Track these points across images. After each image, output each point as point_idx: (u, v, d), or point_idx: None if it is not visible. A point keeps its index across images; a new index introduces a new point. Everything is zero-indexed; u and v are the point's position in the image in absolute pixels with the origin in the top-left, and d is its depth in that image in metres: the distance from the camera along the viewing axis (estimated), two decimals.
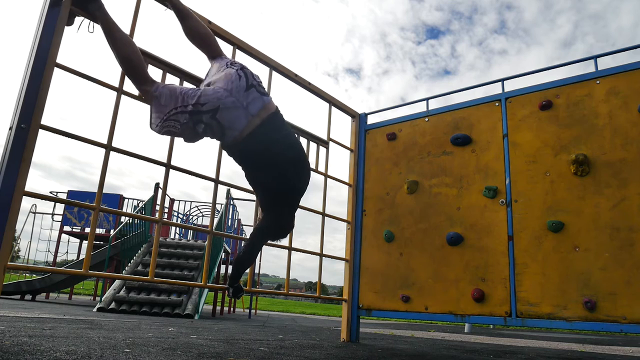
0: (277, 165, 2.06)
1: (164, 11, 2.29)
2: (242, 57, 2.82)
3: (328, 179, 3.25)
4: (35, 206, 13.14)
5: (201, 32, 2.27)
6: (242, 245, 2.22)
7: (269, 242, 2.34)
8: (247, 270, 2.76)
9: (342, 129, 3.90)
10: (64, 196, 12.53)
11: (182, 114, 1.95)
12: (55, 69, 1.85)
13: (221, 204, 9.18)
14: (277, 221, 2.17)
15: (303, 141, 3.17)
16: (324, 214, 3.16)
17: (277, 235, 2.23)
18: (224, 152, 2.24)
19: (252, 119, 1.99)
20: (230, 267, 10.12)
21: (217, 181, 2.51)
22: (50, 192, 12.48)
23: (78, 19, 2.03)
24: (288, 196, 2.17)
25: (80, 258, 12.02)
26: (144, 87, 2.03)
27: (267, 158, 2.04)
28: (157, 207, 6.88)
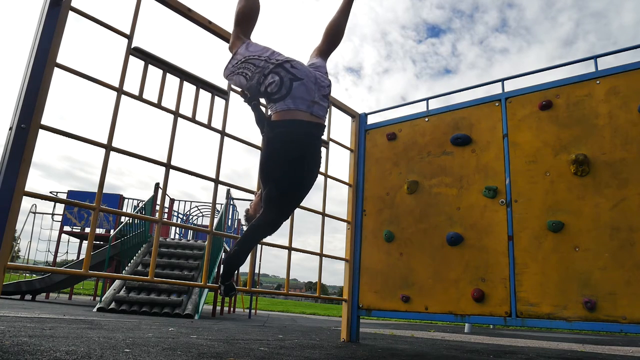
0: (290, 163, 2.14)
1: None
2: None
3: (328, 179, 3.25)
4: (35, 206, 13.14)
5: (341, 31, 2.53)
6: (235, 242, 2.23)
7: (263, 240, 2.36)
8: (247, 270, 2.76)
9: (342, 129, 3.90)
10: (64, 196, 12.53)
11: (265, 62, 2.17)
12: (55, 69, 1.85)
13: (221, 204, 9.18)
14: (274, 221, 2.18)
15: None
16: (324, 214, 3.16)
17: (268, 233, 2.24)
18: (223, 151, 2.27)
19: (306, 113, 2.13)
20: None
21: (217, 181, 2.51)
22: (50, 192, 12.48)
23: None
24: (293, 197, 2.20)
25: (80, 258, 12.01)
26: (241, 35, 2.32)
27: (286, 152, 2.13)
28: (157, 207, 6.88)
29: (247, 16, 2.35)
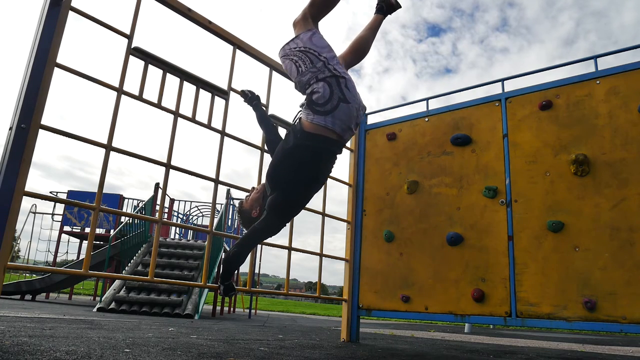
0: (306, 176, 2.15)
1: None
2: (242, 57, 2.82)
3: (328, 179, 3.25)
4: (35, 206, 13.15)
5: (368, 47, 2.54)
6: (235, 242, 2.23)
7: (264, 241, 2.36)
8: (247, 270, 2.76)
9: None
10: (64, 196, 12.53)
11: (323, 65, 2.10)
12: (55, 69, 1.85)
13: (221, 204, 9.18)
14: (275, 225, 2.19)
15: None
16: (324, 214, 3.16)
17: (269, 236, 2.25)
18: (223, 151, 2.27)
19: (338, 135, 2.10)
20: None
21: (217, 181, 2.51)
22: (50, 192, 12.48)
23: None
24: (297, 205, 2.22)
25: (80, 258, 12.01)
26: (311, 18, 2.21)
27: (305, 165, 2.12)
28: (157, 207, 6.88)
29: (328, 4, 2.25)
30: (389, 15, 2.62)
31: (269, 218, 2.14)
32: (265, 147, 2.80)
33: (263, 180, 2.50)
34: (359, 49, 2.50)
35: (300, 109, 2.22)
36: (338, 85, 2.06)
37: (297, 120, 2.19)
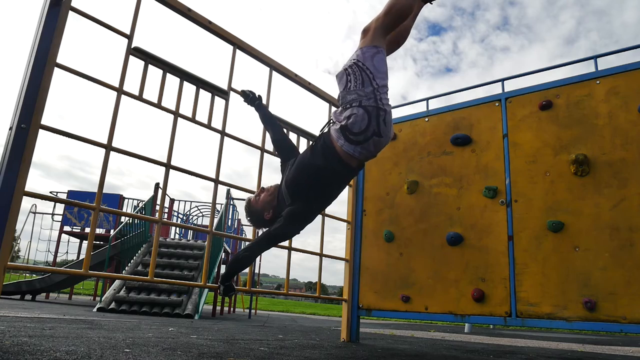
0: (329, 194, 2.22)
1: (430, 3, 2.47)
2: (242, 57, 2.82)
3: None
4: (35, 206, 13.14)
5: (408, 33, 2.45)
6: (245, 245, 2.25)
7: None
8: (247, 271, 2.76)
9: None
10: (64, 196, 12.53)
11: (373, 91, 2.03)
12: (55, 69, 1.85)
13: (221, 204, 9.18)
14: (290, 233, 2.24)
15: (303, 141, 3.17)
16: (324, 214, 3.16)
17: (280, 242, 2.28)
18: (223, 151, 2.27)
19: (360, 161, 2.13)
20: None
21: (217, 181, 2.51)
22: (50, 192, 12.48)
23: None
24: (312, 217, 2.25)
25: (80, 258, 12.02)
26: (382, 32, 2.12)
27: (331, 185, 2.18)
28: (157, 207, 6.88)
29: (403, 15, 2.13)
30: (428, 3, 2.47)
31: (286, 226, 2.14)
32: (264, 147, 2.80)
33: (264, 178, 2.50)
34: (400, 37, 2.44)
35: (332, 121, 2.17)
36: (377, 118, 2.01)
37: (327, 136, 2.14)
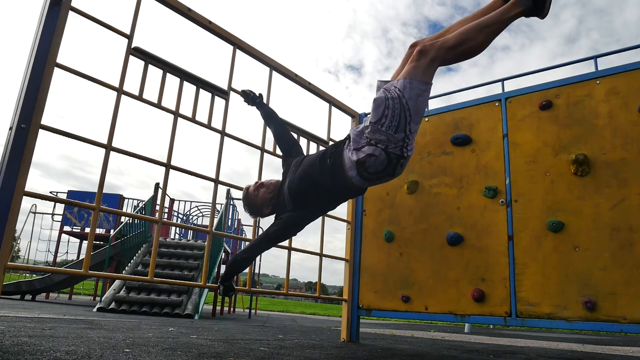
0: (329, 206, 2.29)
1: None
2: (242, 57, 2.82)
3: None
4: (35, 206, 13.14)
5: (474, 53, 1.94)
6: (245, 245, 2.26)
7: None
8: (247, 270, 2.76)
9: (343, 128, 3.91)
10: (64, 196, 12.53)
11: (404, 137, 1.87)
12: (55, 69, 1.85)
13: (221, 204, 9.18)
14: (286, 236, 2.27)
15: (303, 141, 3.17)
16: (324, 214, 3.15)
17: (276, 244, 2.31)
18: (223, 151, 2.27)
19: (368, 186, 2.13)
20: None
21: (217, 181, 2.51)
22: (50, 192, 12.48)
23: None
24: (310, 222, 2.28)
25: (80, 258, 12.01)
26: (435, 66, 1.86)
27: (334, 200, 2.24)
28: (157, 207, 6.88)
29: (472, 54, 1.88)
30: (523, 17, 1.94)
31: (286, 229, 2.17)
32: (264, 147, 2.81)
33: (263, 178, 2.50)
34: (463, 53, 1.97)
35: (347, 143, 2.03)
36: (396, 165, 1.92)
37: (339, 157, 2.04)
